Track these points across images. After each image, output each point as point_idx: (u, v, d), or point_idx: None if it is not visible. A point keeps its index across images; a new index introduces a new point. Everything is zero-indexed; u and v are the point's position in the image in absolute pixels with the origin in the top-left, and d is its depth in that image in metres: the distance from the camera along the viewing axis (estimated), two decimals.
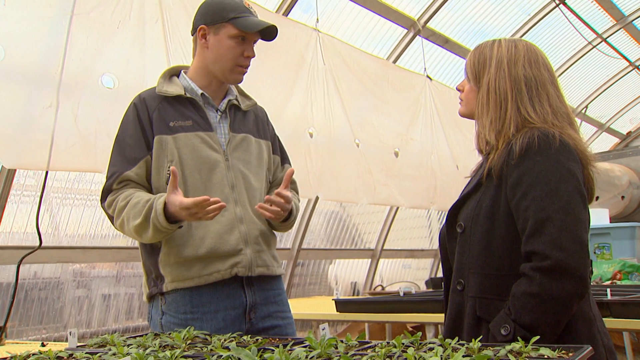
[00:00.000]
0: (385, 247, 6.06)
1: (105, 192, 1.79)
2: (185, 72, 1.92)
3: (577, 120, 1.56)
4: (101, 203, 1.81)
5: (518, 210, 1.39)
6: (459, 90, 1.63)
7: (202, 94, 1.88)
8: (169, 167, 1.77)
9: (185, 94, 1.85)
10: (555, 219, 1.33)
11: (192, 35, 1.90)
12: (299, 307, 3.87)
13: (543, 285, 1.31)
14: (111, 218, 1.79)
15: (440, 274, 6.75)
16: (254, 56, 1.88)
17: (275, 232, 1.97)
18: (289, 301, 2.01)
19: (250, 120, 1.97)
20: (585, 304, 1.41)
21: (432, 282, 4.60)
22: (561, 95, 1.52)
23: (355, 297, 5.22)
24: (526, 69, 1.49)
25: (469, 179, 1.61)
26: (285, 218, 1.87)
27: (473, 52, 1.58)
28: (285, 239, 5.04)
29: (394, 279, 6.42)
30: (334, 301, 3.29)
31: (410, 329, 4.63)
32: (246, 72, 1.89)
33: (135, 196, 1.73)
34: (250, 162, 1.89)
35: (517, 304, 1.34)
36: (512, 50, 1.51)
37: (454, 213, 1.55)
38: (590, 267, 1.37)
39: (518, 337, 1.18)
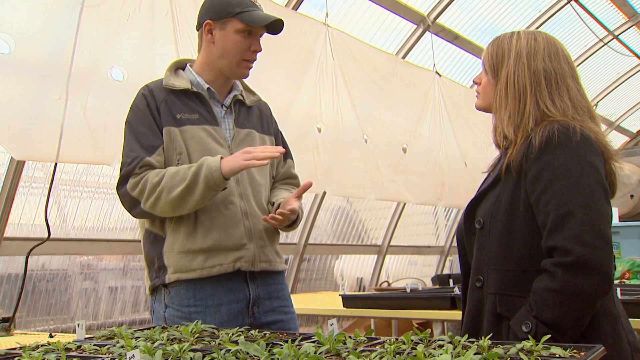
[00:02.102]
0: (391, 244, 6.05)
1: (125, 177, 1.74)
2: (191, 66, 1.92)
3: (596, 113, 1.52)
4: (119, 188, 1.76)
5: (538, 205, 1.36)
6: (475, 83, 1.60)
7: (208, 88, 1.88)
8: (178, 160, 1.77)
9: (191, 87, 1.85)
10: (577, 213, 1.30)
11: (198, 30, 1.90)
12: (305, 302, 3.87)
13: (565, 281, 1.28)
14: (134, 202, 1.73)
15: (446, 271, 6.74)
16: (260, 50, 1.87)
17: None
18: (295, 296, 2.01)
19: (255, 116, 1.98)
20: (609, 301, 1.38)
21: (438, 279, 4.58)
22: (581, 88, 1.49)
23: (362, 292, 5.21)
24: (546, 62, 1.46)
25: (487, 174, 1.58)
26: (290, 224, 1.89)
27: (491, 44, 1.54)
28: (291, 234, 5.04)
29: (400, 276, 6.41)
30: (340, 296, 3.29)
31: (416, 325, 4.63)
32: (252, 66, 1.89)
33: (169, 169, 1.72)
34: None
35: (539, 300, 1.32)
36: (531, 42, 1.48)
37: (472, 209, 1.52)
38: (613, 261, 1.34)
39: (529, 336, 1.17)
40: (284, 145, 2.08)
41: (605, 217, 1.32)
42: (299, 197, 1.87)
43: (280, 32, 1.89)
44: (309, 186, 1.85)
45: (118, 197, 1.78)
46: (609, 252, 1.30)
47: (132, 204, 1.75)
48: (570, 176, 1.33)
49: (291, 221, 1.85)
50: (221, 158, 1.70)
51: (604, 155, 1.41)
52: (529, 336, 1.14)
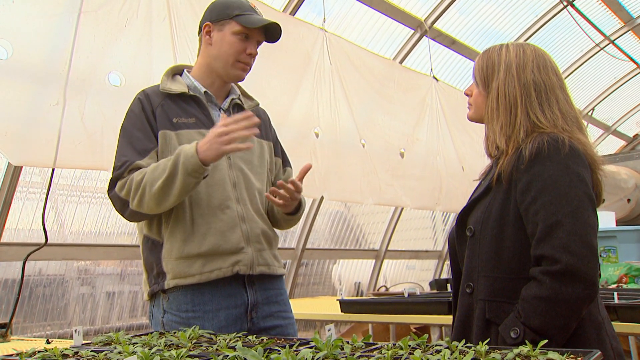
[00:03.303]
0: (389, 248, 6.05)
1: (114, 180, 1.75)
2: (188, 71, 1.93)
3: (584, 123, 1.56)
4: (110, 192, 1.77)
5: (528, 215, 1.40)
6: (467, 95, 1.63)
7: (205, 92, 1.88)
8: None
9: (188, 91, 1.85)
10: (564, 223, 1.33)
11: (199, 35, 1.92)
12: (303, 307, 3.86)
13: (553, 289, 1.32)
14: (124, 204, 1.74)
15: (444, 276, 6.74)
16: (256, 54, 1.88)
17: (278, 231, 1.97)
18: (293, 301, 2.01)
19: None
20: (594, 308, 1.42)
21: (436, 284, 4.58)
22: (569, 99, 1.53)
23: (360, 297, 5.21)
24: (535, 73, 1.49)
25: (478, 182, 1.61)
26: (294, 211, 1.88)
27: (481, 56, 1.58)
28: (289, 239, 5.03)
29: (397, 280, 6.41)
30: (338, 301, 3.29)
31: (414, 330, 4.62)
32: (248, 70, 1.90)
33: (151, 165, 1.72)
34: (252, 161, 1.90)
35: (527, 307, 1.35)
36: (520, 55, 1.51)
37: (463, 217, 1.55)
38: (599, 270, 1.37)
39: (526, 341, 1.17)
40: (282, 153, 2.09)
41: (591, 227, 1.35)
42: (301, 179, 1.85)
43: (277, 40, 1.90)
44: (308, 168, 1.83)
45: (110, 201, 1.79)
46: (594, 261, 1.33)
47: (122, 206, 1.76)
48: (558, 187, 1.37)
49: (296, 201, 1.83)
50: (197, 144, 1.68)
51: (591, 165, 1.45)
52: (526, 341, 1.15)
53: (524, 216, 1.41)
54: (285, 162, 2.09)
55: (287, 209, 1.85)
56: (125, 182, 1.72)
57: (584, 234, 1.33)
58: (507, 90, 1.49)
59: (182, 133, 1.79)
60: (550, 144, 1.40)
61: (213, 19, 1.85)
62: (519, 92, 1.48)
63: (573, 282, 1.31)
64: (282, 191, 1.78)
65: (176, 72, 1.94)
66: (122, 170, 1.74)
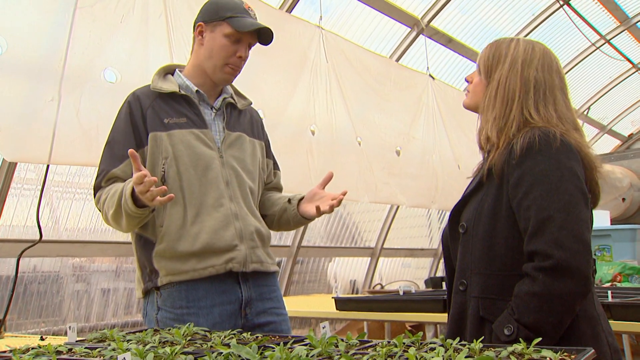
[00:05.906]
0: (385, 246, 6.05)
1: (95, 190, 1.81)
2: (180, 71, 1.93)
3: (581, 125, 1.56)
4: (94, 201, 1.84)
5: (519, 210, 1.39)
6: (467, 81, 1.63)
7: (197, 91, 1.88)
8: (164, 164, 1.77)
9: (179, 91, 1.85)
10: (556, 218, 1.33)
11: (193, 34, 1.92)
12: (298, 304, 3.86)
13: (546, 284, 1.31)
14: (103, 215, 1.81)
15: (439, 274, 6.74)
16: (246, 57, 1.89)
17: (270, 230, 1.98)
18: (288, 298, 2.02)
19: (246, 120, 1.99)
20: (589, 304, 1.41)
21: (431, 282, 4.59)
22: (568, 102, 1.53)
23: (355, 295, 5.21)
24: (538, 71, 1.49)
25: (471, 179, 1.61)
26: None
27: (489, 46, 1.58)
28: (285, 236, 5.03)
29: (393, 278, 6.42)
30: (333, 299, 3.29)
31: (409, 328, 4.63)
32: (238, 73, 1.90)
33: (114, 187, 1.75)
34: (244, 160, 1.91)
35: (520, 304, 1.34)
36: (529, 51, 1.52)
37: (456, 213, 1.55)
38: (594, 266, 1.36)
39: (520, 338, 1.18)
40: (272, 156, 2.11)
41: (584, 222, 1.35)
42: (323, 187, 1.94)
43: (269, 42, 1.90)
44: (331, 177, 1.93)
45: None
46: (587, 256, 1.33)
47: (102, 215, 1.82)
48: (550, 182, 1.36)
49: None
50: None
51: (587, 164, 1.44)
52: (520, 339, 1.15)
53: (516, 212, 1.40)
54: (275, 165, 2.11)
55: (316, 216, 1.88)
56: (99, 196, 1.78)
57: (576, 229, 1.32)
58: (507, 83, 1.50)
59: (174, 133, 1.80)
60: (541, 138, 1.40)
61: (206, 19, 1.85)
62: (518, 87, 1.49)
63: (566, 277, 1.30)
64: (334, 202, 1.82)
65: (168, 71, 1.94)
66: (99, 179, 1.79)
